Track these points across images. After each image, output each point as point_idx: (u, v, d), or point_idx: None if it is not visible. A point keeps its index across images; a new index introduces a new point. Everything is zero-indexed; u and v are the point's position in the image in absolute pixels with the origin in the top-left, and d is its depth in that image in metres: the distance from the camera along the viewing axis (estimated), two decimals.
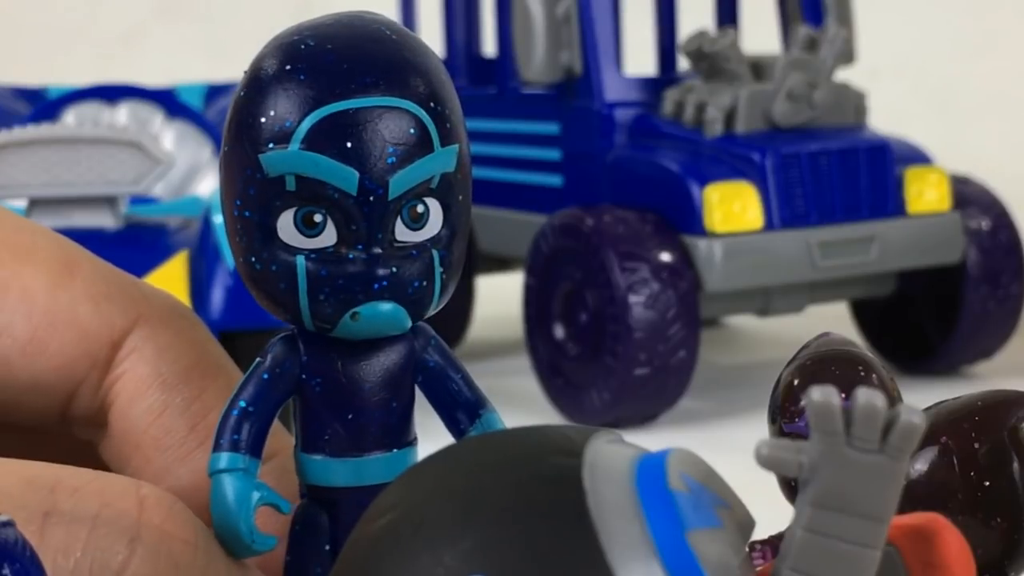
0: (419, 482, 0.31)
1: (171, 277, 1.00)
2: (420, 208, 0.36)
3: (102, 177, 1.02)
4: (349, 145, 0.35)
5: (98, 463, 0.43)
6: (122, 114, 1.37)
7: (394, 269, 0.36)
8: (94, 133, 1.02)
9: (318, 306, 0.36)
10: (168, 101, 1.38)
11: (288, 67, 0.36)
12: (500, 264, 1.32)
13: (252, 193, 0.36)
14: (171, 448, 0.41)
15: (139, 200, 1.15)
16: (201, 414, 0.42)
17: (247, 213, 0.36)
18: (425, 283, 0.37)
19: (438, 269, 0.37)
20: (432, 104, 0.36)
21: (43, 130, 1.03)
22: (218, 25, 2.24)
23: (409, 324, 0.37)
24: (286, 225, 0.36)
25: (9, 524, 0.29)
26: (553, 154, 1.22)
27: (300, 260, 0.36)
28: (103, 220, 1.03)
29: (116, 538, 0.35)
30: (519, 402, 1.14)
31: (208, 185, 1.33)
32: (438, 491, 0.30)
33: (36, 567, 0.29)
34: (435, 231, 0.37)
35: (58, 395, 0.42)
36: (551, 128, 1.21)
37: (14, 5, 2.27)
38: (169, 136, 1.36)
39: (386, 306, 0.36)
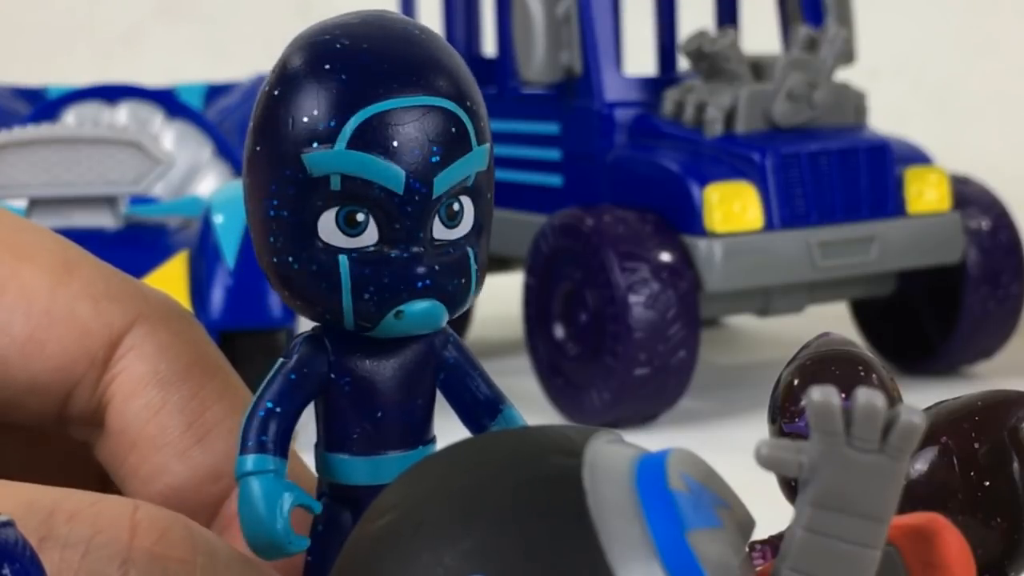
0: (419, 482, 0.31)
1: (171, 277, 1.00)
2: (456, 206, 0.37)
3: (102, 177, 1.02)
4: (395, 144, 0.35)
5: (94, 464, 0.43)
6: (122, 114, 1.37)
7: (435, 267, 0.36)
8: (94, 133, 1.02)
9: (362, 305, 0.36)
10: (168, 101, 1.38)
11: (327, 66, 0.36)
12: (500, 264, 1.32)
13: (292, 192, 0.36)
14: (168, 445, 0.41)
15: (139, 200, 1.15)
16: (198, 412, 0.42)
17: (284, 213, 0.36)
18: (463, 280, 0.37)
19: (473, 266, 0.37)
20: (467, 103, 0.36)
21: (43, 130, 1.03)
22: (218, 25, 2.24)
23: (445, 321, 0.37)
24: (327, 224, 0.36)
25: (9, 524, 0.29)
26: (553, 154, 1.22)
27: (343, 259, 0.36)
28: (103, 220, 1.03)
29: (107, 562, 0.36)
30: (519, 402, 1.13)
31: (208, 185, 1.33)
32: (438, 491, 0.30)
33: (36, 567, 0.29)
34: (468, 229, 0.37)
35: (56, 394, 0.42)
36: (551, 128, 1.21)
37: (14, 5, 2.27)
38: (169, 136, 1.36)
39: (428, 304, 0.36)
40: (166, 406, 0.42)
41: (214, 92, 1.51)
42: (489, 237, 0.38)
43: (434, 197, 0.36)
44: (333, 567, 0.31)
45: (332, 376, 0.38)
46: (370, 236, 0.36)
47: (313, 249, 0.36)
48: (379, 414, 0.38)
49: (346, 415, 0.38)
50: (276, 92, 0.36)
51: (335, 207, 0.36)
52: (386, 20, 0.37)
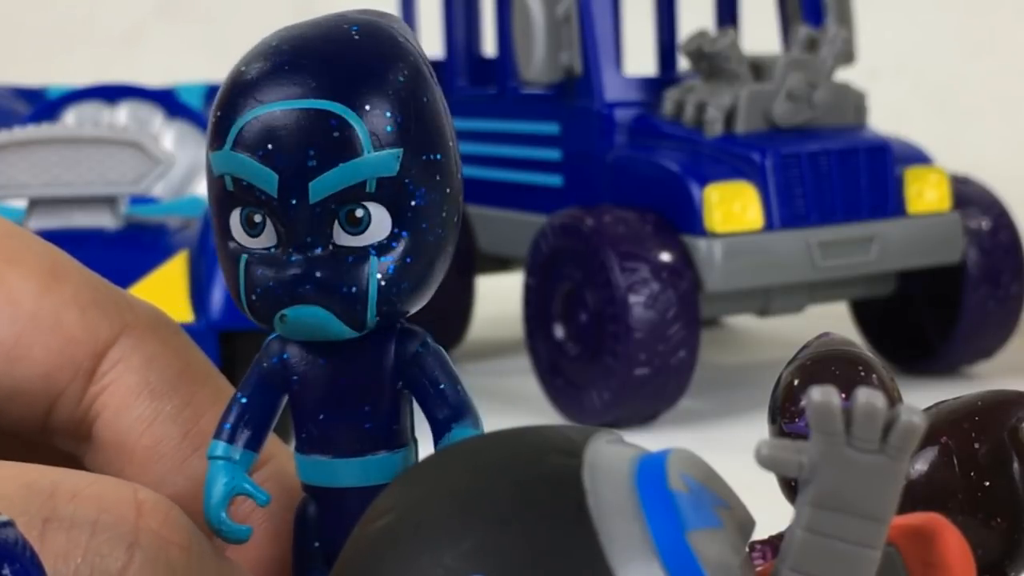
0: (419, 482, 0.31)
1: (171, 277, 1.00)
2: (359, 212, 0.36)
3: (102, 177, 1.02)
4: (270, 147, 0.35)
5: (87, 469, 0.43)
6: (122, 114, 1.37)
7: (319, 274, 0.36)
8: (94, 133, 1.02)
9: (252, 305, 0.36)
10: (168, 101, 1.38)
11: (243, 68, 0.36)
12: (500, 264, 1.32)
13: (211, 192, 0.37)
14: (166, 456, 0.41)
15: (139, 200, 1.15)
16: (193, 420, 0.42)
17: (211, 210, 0.37)
18: (354, 289, 0.36)
19: (374, 275, 0.36)
20: (369, 107, 0.35)
21: (43, 130, 1.03)
22: (218, 25, 2.24)
23: (345, 330, 0.36)
24: (235, 224, 0.37)
25: (9, 524, 0.29)
26: (553, 154, 1.22)
27: (242, 259, 0.36)
28: (103, 220, 1.03)
29: (115, 544, 0.35)
30: (519, 402, 1.14)
31: None
32: (438, 491, 0.30)
33: (36, 567, 0.29)
34: (381, 236, 0.36)
35: (40, 402, 0.42)
36: (551, 128, 1.21)
37: (14, 5, 2.27)
38: (169, 136, 1.36)
39: (312, 310, 0.36)
40: (160, 417, 0.41)
41: (214, 92, 1.50)
42: (441, 247, 0.37)
43: (313, 202, 0.35)
44: (333, 567, 0.31)
45: (285, 373, 0.38)
46: (268, 238, 0.36)
47: (227, 247, 0.37)
48: (321, 416, 0.38)
49: (296, 414, 0.38)
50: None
51: (239, 207, 0.36)
52: (335, 21, 0.37)
